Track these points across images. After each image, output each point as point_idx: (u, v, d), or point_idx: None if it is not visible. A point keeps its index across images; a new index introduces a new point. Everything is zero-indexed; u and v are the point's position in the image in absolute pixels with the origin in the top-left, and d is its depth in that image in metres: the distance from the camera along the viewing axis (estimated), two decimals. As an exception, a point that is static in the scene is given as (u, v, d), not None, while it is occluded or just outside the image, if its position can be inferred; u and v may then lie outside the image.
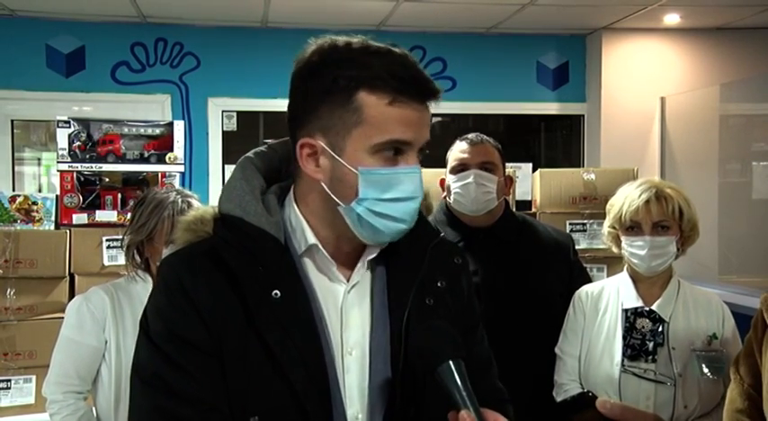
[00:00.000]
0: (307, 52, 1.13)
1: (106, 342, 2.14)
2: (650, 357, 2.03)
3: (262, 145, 1.29)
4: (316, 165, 1.13)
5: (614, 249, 2.20)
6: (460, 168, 2.30)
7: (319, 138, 1.11)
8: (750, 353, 1.69)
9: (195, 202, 2.20)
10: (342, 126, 1.09)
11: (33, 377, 2.88)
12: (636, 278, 2.14)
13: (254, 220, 1.14)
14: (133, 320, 2.14)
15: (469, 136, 2.36)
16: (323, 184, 1.13)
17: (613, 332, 2.09)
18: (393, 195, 1.10)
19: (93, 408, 2.22)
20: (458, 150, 2.34)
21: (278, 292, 1.10)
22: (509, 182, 2.42)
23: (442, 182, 2.39)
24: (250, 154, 1.25)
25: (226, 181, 1.23)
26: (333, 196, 1.12)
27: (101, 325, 2.13)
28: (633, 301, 2.10)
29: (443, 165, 2.43)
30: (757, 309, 1.72)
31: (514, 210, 3.45)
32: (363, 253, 1.19)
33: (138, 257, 2.18)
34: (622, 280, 2.17)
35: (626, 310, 2.10)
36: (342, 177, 1.11)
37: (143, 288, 2.16)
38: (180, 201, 2.17)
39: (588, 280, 2.40)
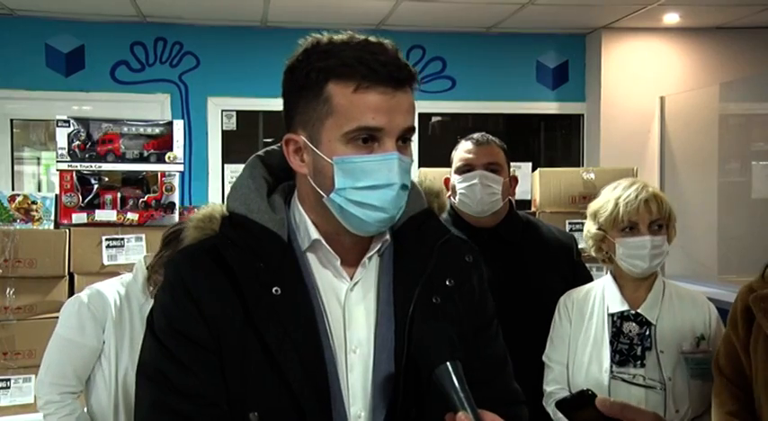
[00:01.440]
0: (293, 53, 1.15)
1: (104, 342, 2.13)
2: (639, 362, 2.00)
3: (262, 145, 1.29)
4: (301, 160, 1.15)
5: (594, 254, 2.15)
6: (466, 169, 2.29)
7: (301, 133, 1.13)
8: (733, 354, 1.68)
9: None
10: (316, 118, 1.10)
11: (33, 376, 2.86)
12: (621, 281, 2.10)
13: (257, 218, 1.15)
14: (131, 321, 2.13)
15: (475, 136, 2.34)
16: (309, 178, 1.14)
17: (600, 337, 2.05)
18: (368, 183, 1.09)
19: (85, 408, 2.21)
20: (463, 150, 2.33)
21: (278, 289, 1.10)
22: (514, 182, 2.41)
23: (447, 181, 2.38)
24: (260, 152, 1.27)
25: (226, 180, 1.24)
26: (318, 189, 1.13)
27: (101, 325, 2.12)
28: (619, 305, 2.06)
29: (446, 164, 2.42)
30: (733, 307, 1.70)
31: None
32: (368, 249, 1.19)
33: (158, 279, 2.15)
34: (607, 283, 2.12)
35: (612, 315, 2.06)
36: (321, 169, 1.12)
37: (142, 292, 2.15)
38: None
39: (591, 280, 2.39)
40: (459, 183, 2.29)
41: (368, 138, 1.09)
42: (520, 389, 1.29)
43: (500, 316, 2.04)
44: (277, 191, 1.22)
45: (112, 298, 2.15)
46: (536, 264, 2.31)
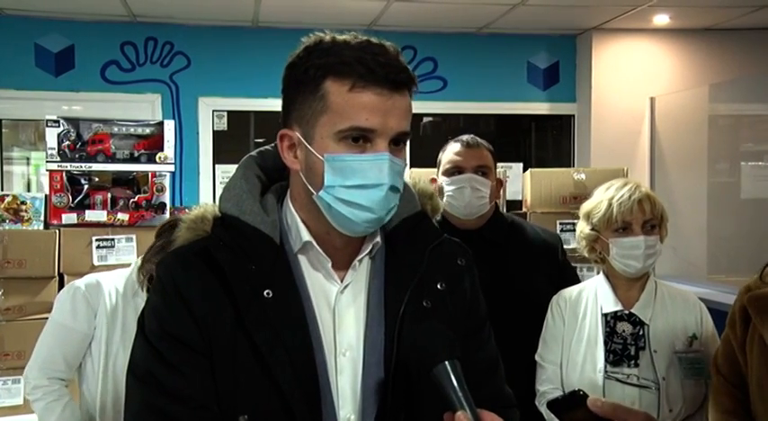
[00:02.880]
0: (295, 50, 1.15)
1: (95, 328, 2.12)
2: (632, 362, 2.01)
3: (253, 145, 1.29)
4: (294, 156, 1.15)
5: (587, 254, 2.16)
6: (455, 171, 2.28)
7: (296, 129, 1.13)
8: (730, 353, 1.69)
9: None
10: (311, 115, 1.10)
11: (22, 378, 2.85)
12: (614, 281, 2.11)
13: (249, 219, 1.15)
14: (123, 311, 2.13)
15: (464, 137, 2.33)
16: (301, 175, 1.14)
17: (594, 338, 2.06)
18: (357, 182, 1.08)
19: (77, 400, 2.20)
20: (452, 152, 2.31)
21: (270, 292, 1.10)
22: (500, 184, 2.41)
23: (433, 181, 2.37)
24: (254, 152, 1.26)
25: (217, 180, 1.24)
26: (308, 186, 1.13)
27: (94, 311, 2.12)
28: (612, 305, 2.07)
29: (436, 165, 2.42)
30: (732, 307, 1.72)
31: (505, 210, 3.46)
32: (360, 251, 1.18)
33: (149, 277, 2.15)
34: (599, 283, 2.13)
35: (606, 315, 2.07)
36: (312, 165, 1.11)
37: (137, 282, 2.16)
38: None
39: (577, 279, 2.39)
40: (447, 186, 2.28)
41: (360, 138, 1.09)
42: (511, 392, 1.29)
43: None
44: (270, 191, 1.22)
45: (107, 287, 2.16)
46: (521, 265, 2.30)
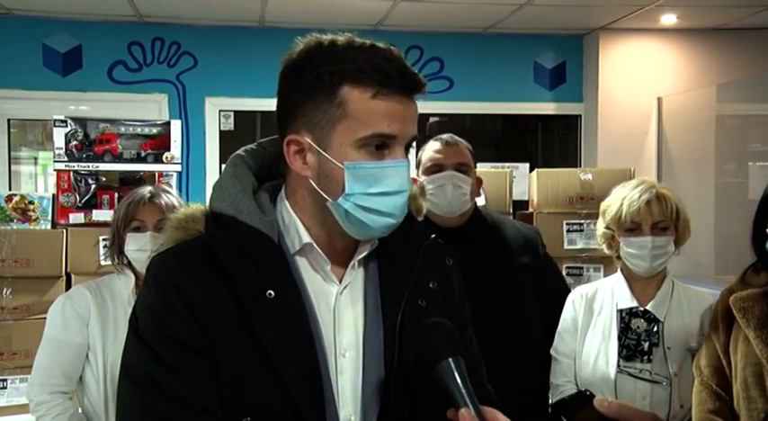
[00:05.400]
0: (292, 52, 1.13)
1: (89, 337, 2.13)
2: (646, 357, 2.04)
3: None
4: (303, 162, 1.13)
5: (606, 251, 2.20)
6: (435, 169, 2.29)
7: (305, 135, 1.12)
8: (713, 355, 1.70)
9: (169, 196, 2.21)
10: (327, 121, 1.09)
11: (29, 377, 2.87)
12: (630, 278, 2.14)
13: (247, 219, 1.13)
14: (114, 316, 2.14)
15: (444, 136, 2.35)
16: (311, 181, 1.13)
17: (608, 333, 2.10)
18: (380, 189, 1.09)
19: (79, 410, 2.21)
20: (432, 151, 2.33)
21: (272, 292, 1.09)
22: (479, 183, 2.42)
23: (414, 181, 2.37)
24: (241, 152, 1.25)
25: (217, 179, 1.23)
26: (321, 192, 1.12)
27: (85, 322, 2.12)
28: (628, 302, 2.11)
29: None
30: (714, 309, 1.73)
31: (511, 210, 3.47)
32: (356, 252, 1.18)
33: (118, 252, 2.19)
34: (617, 280, 2.17)
35: (621, 311, 2.11)
36: (328, 173, 1.10)
37: (124, 283, 2.17)
38: (148, 190, 2.20)
39: (558, 271, 2.39)
40: (428, 184, 2.29)
41: (380, 145, 1.09)
42: (492, 389, 1.30)
43: (475, 315, 2.06)
44: (264, 190, 1.20)
45: (94, 293, 2.17)
46: (504, 261, 2.32)
